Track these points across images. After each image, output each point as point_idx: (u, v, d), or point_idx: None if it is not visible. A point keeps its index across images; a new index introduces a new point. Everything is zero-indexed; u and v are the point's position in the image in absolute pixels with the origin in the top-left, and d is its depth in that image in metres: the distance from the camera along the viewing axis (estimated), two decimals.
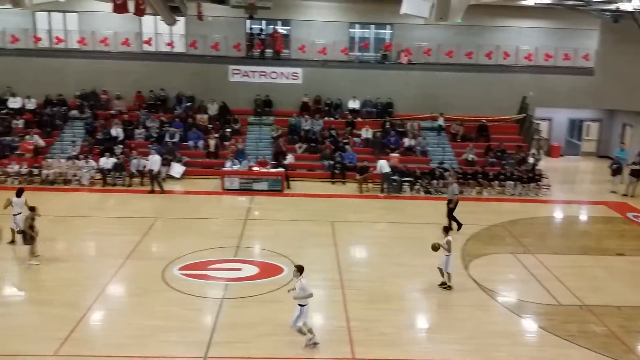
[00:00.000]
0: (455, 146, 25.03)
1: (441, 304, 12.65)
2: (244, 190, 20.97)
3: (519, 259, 15.30)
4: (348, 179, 22.57)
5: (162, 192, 20.52)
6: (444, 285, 13.17)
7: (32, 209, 14.02)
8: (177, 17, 24.19)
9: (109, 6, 20.92)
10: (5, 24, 25.38)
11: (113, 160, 21.62)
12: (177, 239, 16.01)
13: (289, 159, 23.10)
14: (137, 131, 24.11)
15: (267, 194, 20.88)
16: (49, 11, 25.75)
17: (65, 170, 21.26)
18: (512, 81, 26.61)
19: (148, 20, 25.05)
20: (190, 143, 23.86)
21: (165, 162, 21.88)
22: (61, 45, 26.05)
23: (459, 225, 17.22)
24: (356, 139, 24.76)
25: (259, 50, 26.45)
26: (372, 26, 27.96)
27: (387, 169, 21.29)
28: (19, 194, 14.81)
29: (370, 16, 27.16)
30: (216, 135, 24.01)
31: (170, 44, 26.30)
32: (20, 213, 14.48)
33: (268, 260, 14.64)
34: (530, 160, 23.77)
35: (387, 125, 25.34)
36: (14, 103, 24.88)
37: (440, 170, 22.34)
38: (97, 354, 10.12)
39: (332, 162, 23.05)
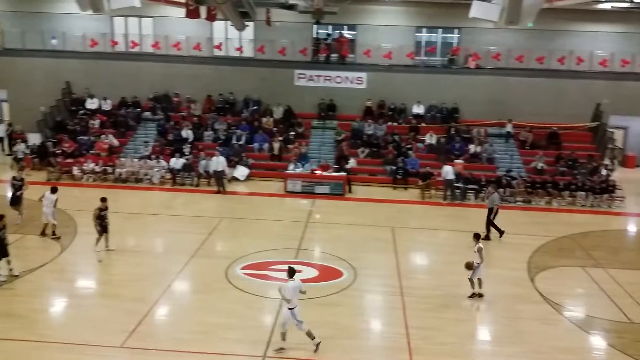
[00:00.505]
0: (524, 154, 24.28)
1: (504, 316, 12.30)
2: (305, 193, 21.18)
3: (588, 272, 14.65)
4: (410, 184, 22.35)
5: (224, 192, 21.03)
6: (474, 296, 12.83)
7: (103, 199, 14.72)
8: (247, 23, 24.75)
9: (183, 11, 21.73)
10: (85, 28, 26.79)
11: (182, 160, 22.37)
12: (240, 238, 16.38)
13: (351, 163, 23.15)
14: (206, 133, 24.85)
15: (329, 197, 21.00)
16: (125, 16, 26.99)
17: (137, 169, 22.20)
18: (585, 87, 25.55)
19: (219, 26, 25.79)
20: (256, 145, 24.35)
21: (231, 164, 22.44)
22: (136, 49, 27.25)
23: (500, 233, 16.88)
24: (420, 145, 24.50)
25: (324, 54, 26.68)
26: (440, 30, 27.61)
27: (451, 176, 20.93)
28: (53, 190, 15.65)
29: (438, 20, 26.83)
30: (280, 138, 24.39)
31: (239, 49, 26.98)
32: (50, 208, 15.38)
33: (328, 263, 14.73)
34: (604, 170, 22.71)
35: (452, 131, 24.92)
36: (92, 104, 26.23)
37: (508, 178, 21.73)
38: (161, 347, 10.49)
39: (394, 167, 22.90)
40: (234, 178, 22.44)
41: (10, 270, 13.00)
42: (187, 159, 22.49)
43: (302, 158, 22.97)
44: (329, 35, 27.51)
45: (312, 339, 10.46)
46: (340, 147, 23.89)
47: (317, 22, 24.54)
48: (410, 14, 26.86)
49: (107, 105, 26.26)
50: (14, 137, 24.66)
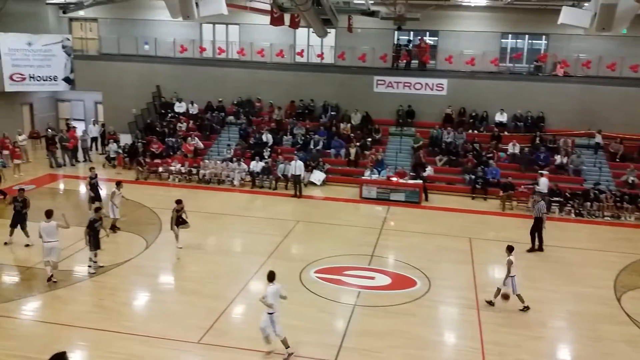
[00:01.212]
0: (614, 166, 22.97)
1: (586, 336, 11.71)
2: (381, 200, 21.12)
3: None
4: (490, 195, 21.73)
5: (301, 196, 21.37)
6: (524, 309, 12.49)
7: (178, 201, 15.44)
8: (328, 29, 25.08)
9: (267, 19, 22.37)
10: (176, 35, 28.11)
11: (262, 164, 22.96)
12: (315, 242, 16.60)
13: (429, 171, 22.84)
14: (285, 138, 25.38)
15: (404, 205, 20.82)
16: (213, 23, 28.07)
17: (219, 171, 23.02)
18: None
19: (301, 33, 26.28)
20: (332, 151, 24.57)
21: (308, 169, 22.78)
22: (223, 56, 28.29)
23: (533, 245, 16.41)
24: (502, 154, 23.77)
25: (405, 61, 26.52)
26: (526, 36, 26.70)
27: (544, 189, 20.00)
28: (118, 185, 16.65)
29: (524, 26, 25.95)
30: (357, 144, 24.47)
31: (320, 55, 27.36)
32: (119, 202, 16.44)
33: (401, 271, 14.63)
34: None
35: (537, 140, 23.98)
36: (180, 107, 27.48)
37: (595, 191, 20.64)
38: (235, 345, 10.82)
39: (473, 177, 22.35)
40: (310, 182, 22.75)
41: (95, 262, 13.86)
42: (266, 163, 23.06)
43: (379, 164, 22.93)
44: (410, 41, 27.31)
45: (286, 348, 10.39)
46: (417, 154, 23.64)
47: (399, 29, 24.39)
48: (495, 19, 26.16)
49: (194, 109, 27.41)
50: (107, 137, 26.27)
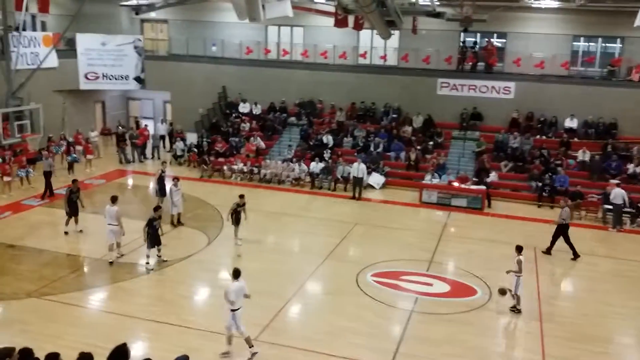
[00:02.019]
0: None
1: None
2: (441, 205, 20.74)
3: None
4: (557, 203, 20.89)
5: (360, 198, 21.32)
6: (514, 309, 12.46)
7: (241, 196, 15.86)
8: (392, 31, 24.88)
9: (332, 21, 22.49)
10: (242, 37, 28.68)
11: (322, 165, 23.07)
12: (372, 245, 16.51)
13: (492, 176, 22.23)
14: (345, 139, 25.40)
15: (466, 211, 20.36)
16: (279, 25, 28.46)
17: (280, 171, 23.31)
18: None
19: (365, 35, 26.22)
20: (392, 154, 24.37)
21: (367, 171, 22.70)
22: (287, 57, 28.63)
23: (549, 249, 16.13)
24: (570, 161, 22.83)
25: (470, 63, 25.97)
26: (599, 39, 25.56)
27: (620, 200, 19.05)
28: (176, 182, 17.18)
29: (597, 28, 24.82)
30: (418, 147, 24.16)
31: (383, 57, 27.21)
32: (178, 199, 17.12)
33: (461, 279, 14.33)
34: None
35: (609, 148, 22.90)
36: (244, 108, 28.03)
37: None
38: (291, 344, 10.92)
39: (540, 184, 21.58)
40: (369, 185, 22.66)
41: (159, 257, 14.34)
42: (326, 164, 23.15)
43: (440, 169, 22.54)
44: (476, 43, 26.71)
45: (250, 347, 10.27)
46: (481, 159, 23.07)
47: (465, 30, 23.90)
48: (567, 21, 25.16)
49: (257, 110, 27.89)
50: (174, 135, 27.13)
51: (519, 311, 12.49)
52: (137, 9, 29.13)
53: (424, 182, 21.63)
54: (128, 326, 11.34)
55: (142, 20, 30.67)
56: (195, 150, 25.32)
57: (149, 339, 11.01)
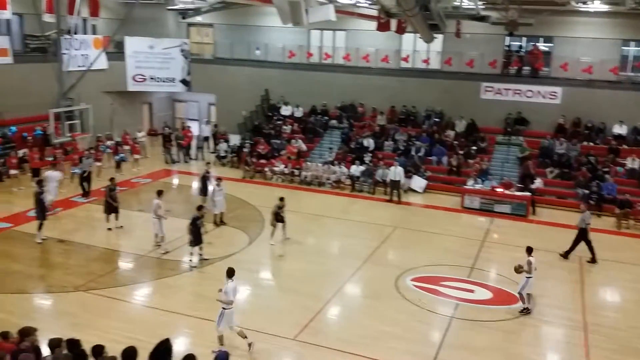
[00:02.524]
0: None
1: None
2: (484, 211, 20.40)
3: None
4: (604, 212, 20.30)
5: (399, 202, 21.22)
6: (524, 311, 12.45)
7: (281, 199, 16.32)
8: (435, 35, 24.69)
9: (374, 25, 22.46)
10: (285, 41, 28.97)
11: (362, 168, 23.06)
12: (412, 250, 16.41)
13: (537, 183, 21.75)
14: (386, 143, 25.31)
15: (509, 217, 19.98)
16: (322, 29, 28.62)
17: (320, 173, 23.42)
18: None
19: (407, 38, 26.09)
20: (434, 158, 24.14)
21: (408, 175, 22.57)
22: (329, 61, 28.75)
23: (568, 253, 16.01)
24: (619, 169, 22.13)
25: (515, 67, 25.50)
26: None
27: None
28: (219, 182, 17.62)
29: None
30: (461, 152, 23.86)
31: (426, 61, 27.01)
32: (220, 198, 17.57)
33: (503, 286, 14.07)
34: None
35: None
36: (285, 111, 28.29)
37: None
38: (329, 345, 10.96)
39: (587, 192, 20.98)
40: (410, 189, 22.51)
41: (201, 255, 14.61)
42: (366, 167, 23.12)
43: (483, 174, 22.20)
44: (521, 47, 26.23)
45: (244, 338, 10.48)
46: (525, 165, 22.60)
47: (510, 34, 23.45)
48: (616, 25, 24.40)
49: (299, 113, 28.11)
50: (218, 137, 27.61)
51: (528, 312, 12.45)
52: (183, 14, 29.92)
53: (466, 187, 21.34)
54: (171, 321, 11.61)
55: (189, 25, 31.32)
56: (245, 150, 25.64)
57: (191, 334, 11.25)
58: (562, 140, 23.53)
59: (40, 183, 16.29)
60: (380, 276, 14.38)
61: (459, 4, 21.12)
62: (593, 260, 15.78)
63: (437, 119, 26.05)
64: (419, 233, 17.98)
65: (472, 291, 13.75)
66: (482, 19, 21.68)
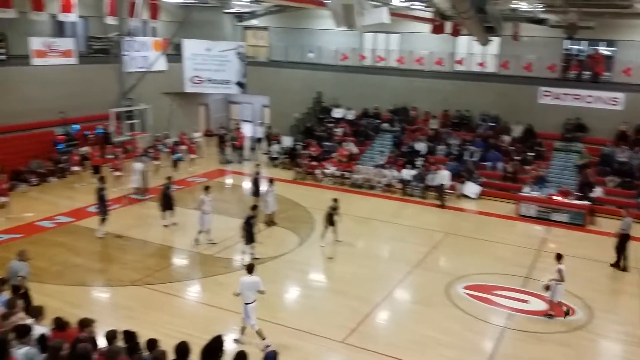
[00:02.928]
0: None
1: None
2: (540, 219, 19.81)
3: None
4: None
5: (443, 206, 20.96)
6: (548, 315, 12.45)
7: (335, 200, 16.11)
8: (491, 38, 24.20)
9: (429, 27, 22.25)
10: (338, 43, 29.02)
11: (413, 172, 22.84)
12: (464, 257, 16.12)
13: (597, 192, 20.96)
14: (439, 147, 24.99)
15: (567, 227, 19.32)
16: (375, 32, 28.53)
17: (371, 176, 23.34)
18: None
19: (462, 41, 25.69)
20: (489, 164, 23.65)
21: (460, 180, 22.20)
22: (382, 64, 28.63)
23: (618, 262, 15.59)
24: None
25: (575, 72, 24.69)
26: None
27: None
28: (271, 183, 17.98)
29: None
30: (517, 158, 23.28)
31: (481, 64, 26.53)
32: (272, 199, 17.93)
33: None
34: None
35: None
36: (337, 113, 28.37)
37: None
38: (378, 350, 10.90)
39: None
40: (463, 195, 22.14)
41: (252, 254, 14.82)
42: (417, 171, 22.90)
43: (540, 181, 21.57)
44: (581, 51, 25.36)
45: (263, 339, 10.32)
46: (585, 172, 21.82)
47: (570, 37, 22.77)
48: None
49: (350, 115, 28.12)
50: (270, 138, 27.98)
51: (551, 316, 12.41)
52: (240, 17, 30.47)
53: (522, 194, 20.80)
54: (221, 318, 11.84)
55: (245, 28, 31.88)
56: (299, 152, 25.85)
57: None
58: (624, 148, 22.60)
59: (102, 180, 16.95)
60: (430, 282, 14.21)
61: (516, 6, 20.65)
62: (616, 266, 15.57)
63: (492, 124, 25.53)
64: (472, 240, 17.64)
65: (526, 301, 13.39)
66: (540, 21, 21.14)
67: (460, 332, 11.77)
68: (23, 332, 7.09)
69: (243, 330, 10.90)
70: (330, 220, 16.20)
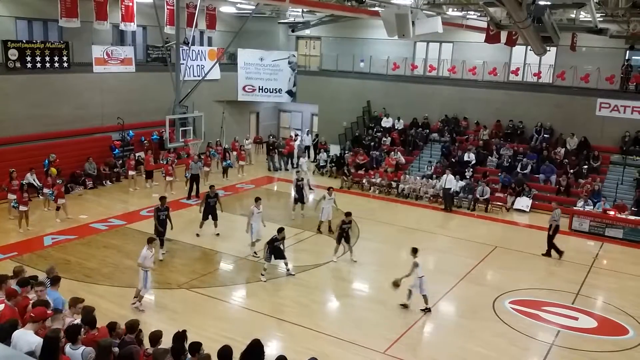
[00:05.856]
0: None
1: None
2: (593, 235, 19.14)
3: None
4: None
5: (450, 210, 21.10)
6: (426, 310, 12.78)
7: (348, 214, 15.85)
8: (548, 47, 23.59)
9: (483, 36, 21.91)
10: (390, 53, 28.97)
11: (462, 183, 22.48)
12: (512, 271, 15.73)
13: None
14: (489, 158, 24.50)
15: (622, 243, 18.58)
16: (427, 42, 28.34)
17: (418, 187, 23.12)
18: None
19: (518, 51, 25.16)
20: (542, 176, 23.01)
21: (511, 193, 21.69)
22: (433, 73, 28.38)
23: (559, 253, 16.76)
24: None
25: (635, 83, 23.75)
26: None
27: None
28: (330, 192, 18.03)
29: None
30: (571, 171, 22.56)
31: (537, 74, 25.90)
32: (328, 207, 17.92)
33: (610, 316, 13.12)
34: None
35: None
36: (386, 123, 28.28)
37: None
38: None
39: None
40: (516, 209, 21.61)
41: (288, 270, 14.62)
42: (466, 183, 22.51)
43: (594, 195, 20.82)
44: None
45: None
46: None
47: (631, 48, 22.01)
48: None
49: (399, 125, 27.97)
50: (319, 146, 28.16)
51: (428, 310, 12.82)
52: (293, 27, 30.89)
53: (575, 208, 20.14)
54: (265, 324, 11.98)
55: (297, 37, 32.29)
56: (328, 161, 25.91)
57: (282, 338, 11.52)
58: None
59: (163, 200, 16.90)
60: (476, 296, 13.93)
61: (574, 16, 20.08)
62: (547, 254, 16.85)
63: (546, 135, 24.84)
64: (521, 254, 17.19)
65: (575, 318, 12.94)
66: (600, 32, 20.49)
67: (506, 348, 11.49)
68: (74, 332, 7.20)
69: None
70: (345, 236, 15.68)
